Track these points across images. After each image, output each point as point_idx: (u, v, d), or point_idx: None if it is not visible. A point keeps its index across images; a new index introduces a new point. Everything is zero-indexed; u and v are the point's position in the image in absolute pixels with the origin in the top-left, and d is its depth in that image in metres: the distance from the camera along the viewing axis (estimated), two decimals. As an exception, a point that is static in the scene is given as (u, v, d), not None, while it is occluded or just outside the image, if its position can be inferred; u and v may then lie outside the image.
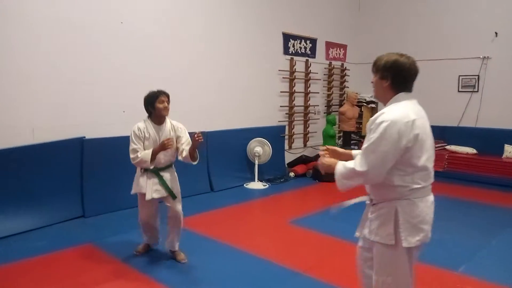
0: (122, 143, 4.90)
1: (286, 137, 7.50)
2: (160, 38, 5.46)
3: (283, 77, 7.31)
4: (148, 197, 3.29)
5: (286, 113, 7.46)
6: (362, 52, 8.92)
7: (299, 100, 7.70)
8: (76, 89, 4.69)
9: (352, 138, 8.10)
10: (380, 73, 2.02)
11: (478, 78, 7.43)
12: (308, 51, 7.77)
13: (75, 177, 4.65)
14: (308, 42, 7.76)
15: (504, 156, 6.86)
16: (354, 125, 7.83)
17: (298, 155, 7.55)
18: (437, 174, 6.90)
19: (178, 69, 5.67)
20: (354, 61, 8.93)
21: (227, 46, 6.37)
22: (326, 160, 2.12)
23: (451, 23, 7.72)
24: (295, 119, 7.62)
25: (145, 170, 3.33)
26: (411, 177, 1.91)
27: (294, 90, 7.48)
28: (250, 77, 6.76)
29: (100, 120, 4.92)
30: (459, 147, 7.36)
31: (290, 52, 7.39)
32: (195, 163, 3.35)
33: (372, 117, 1.96)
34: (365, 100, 8.58)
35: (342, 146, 7.79)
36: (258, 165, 6.44)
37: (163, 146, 3.19)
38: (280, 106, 7.34)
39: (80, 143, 4.68)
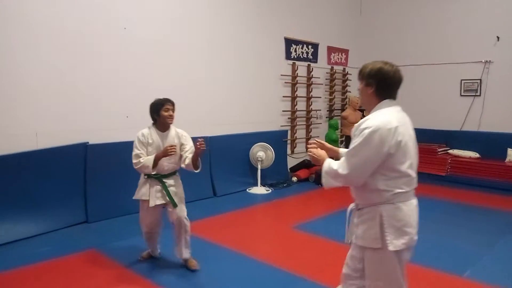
0: (126, 148, 4.89)
1: (289, 141, 7.50)
2: (163, 44, 5.48)
3: (285, 82, 7.33)
4: (151, 203, 3.29)
5: (288, 118, 7.46)
6: (364, 56, 8.92)
7: (301, 105, 7.71)
8: (79, 94, 4.71)
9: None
10: (365, 80, 2.07)
11: (481, 82, 7.43)
12: (310, 56, 7.79)
13: (78, 183, 4.65)
14: (310, 47, 7.78)
15: (507, 160, 6.84)
16: (356, 130, 7.81)
17: (301, 160, 7.54)
18: (439, 178, 6.93)
19: (181, 75, 5.68)
20: (356, 66, 8.93)
21: (229, 51, 6.39)
22: (317, 152, 2.17)
23: (453, 28, 7.73)
24: (298, 123, 7.63)
25: (148, 177, 3.33)
26: (395, 182, 1.95)
27: (296, 94, 7.49)
28: (252, 82, 6.78)
29: (104, 125, 4.93)
30: (462, 151, 7.35)
31: (292, 57, 7.41)
32: (197, 171, 3.34)
33: (357, 123, 2.01)
34: (367, 104, 8.57)
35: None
36: (260, 169, 6.44)
37: (165, 152, 3.18)
38: (283, 111, 7.35)
39: (84, 148, 4.69)
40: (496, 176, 6.65)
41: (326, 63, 8.25)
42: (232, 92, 6.48)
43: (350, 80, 8.75)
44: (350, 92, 8.70)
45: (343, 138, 8.09)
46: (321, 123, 8.18)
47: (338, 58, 8.56)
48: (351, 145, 1.96)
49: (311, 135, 7.93)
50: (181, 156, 3.36)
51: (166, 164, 3.30)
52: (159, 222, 3.52)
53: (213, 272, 3.37)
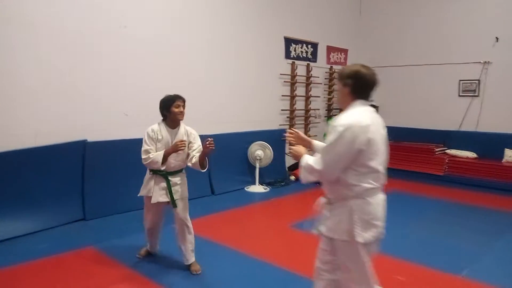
0: (124, 146, 4.94)
1: (287, 140, 7.50)
2: (162, 43, 5.47)
3: (284, 81, 7.33)
4: (153, 200, 3.27)
5: (287, 117, 7.47)
6: (363, 56, 8.94)
7: (300, 104, 7.71)
8: (78, 92, 4.70)
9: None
10: (342, 81, 2.19)
11: (479, 82, 7.45)
12: (309, 55, 7.80)
13: (76, 180, 4.64)
14: (309, 46, 7.78)
15: (504, 160, 6.87)
16: (354, 129, 7.82)
17: (299, 159, 7.53)
18: (437, 178, 6.95)
19: (180, 74, 5.67)
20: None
21: (229, 50, 6.38)
22: (296, 148, 2.30)
23: (452, 28, 7.75)
24: (296, 122, 7.63)
25: (154, 173, 3.31)
26: (364, 177, 2.07)
27: (295, 94, 7.49)
28: (251, 81, 6.78)
29: (103, 123, 4.92)
30: (460, 151, 7.37)
31: (291, 56, 7.41)
32: (203, 170, 3.31)
33: (331, 121, 2.08)
34: (366, 104, 8.59)
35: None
36: (259, 168, 6.44)
37: (175, 148, 3.15)
38: (281, 110, 7.35)
39: (82, 146, 4.68)
40: (493, 176, 6.68)
41: (325, 63, 8.26)
42: (231, 91, 6.48)
43: (349, 79, 8.73)
44: (348, 91, 8.69)
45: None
46: (319, 122, 8.18)
47: (337, 57, 8.56)
48: (326, 142, 2.08)
49: (309, 134, 7.93)
50: (188, 154, 3.31)
51: (173, 161, 3.26)
52: (161, 219, 3.52)
53: (210, 269, 3.37)
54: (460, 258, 3.73)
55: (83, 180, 4.68)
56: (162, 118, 3.34)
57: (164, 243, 3.68)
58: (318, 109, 8.14)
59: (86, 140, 4.73)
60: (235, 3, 6.41)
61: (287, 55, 7.34)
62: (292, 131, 2.51)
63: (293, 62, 7.42)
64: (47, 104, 4.46)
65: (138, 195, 3.43)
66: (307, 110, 7.83)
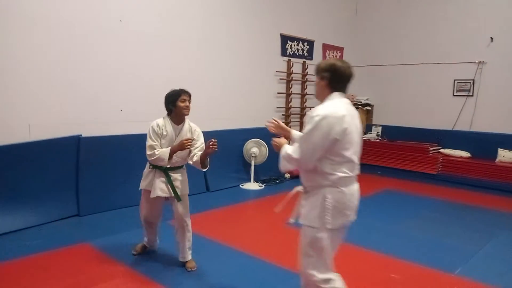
0: (119, 141, 4.92)
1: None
2: (158, 38, 5.44)
3: (280, 79, 7.32)
4: (152, 194, 3.22)
5: (282, 114, 7.46)
6: (358, 55, 8.97)
7: (295, 102, 7.71)
8: (73, 87, 4.66)
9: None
10: (319, 74, 2.29)
11: (473, 82, 7.50)
12: (305, 53, 7.80)
13: (70, 176, 4.61)
14: (305, 44, 7.78)
15: (497, 160, 6.92)
16: (349, 128, 7.84)
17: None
18: (431, 177, 6.98)
19: (175, 69, 5.65)
20: (351, 64, 8.94)
21: (225, 46, 6.36)
22: (278, 140, 2.40)
23: (447, 28, 7.79)
24: (292, 120, 7.63)
25: (154, 167, 3.27)
26: (339, 166, 2.15)
27: (291, 91, 7.49)
28: (247, 78, 6.77)
29: (97, 118, 4.89)
30: (453, 150, 7.42)
31: (287, 54, 7.41)
32: (204, 170, 3.28)
33: (309, 112, 2.18)
34: (361, 102, 8.63)
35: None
36: (254, 165, 6.44)
37: (182, 146, 3.10)
38: (277, 107, 7.34)
39: (77, 141, 4.64)
40: (486, 175, 6.73)
41: (321, 61, 8.25)
42: (227, 87, 6.46)
43: (345, 78, 8.74)
44: (344, 90, 8.70)
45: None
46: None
47: (333, 55, 8.57)
48: (304, 132, 2.17)
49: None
50: (190, 151, 3.25)
51: (175, 157, 3.20)
52: (158, 214, 3.47)
53: (205, 265, 3.36)
54: (454, 256, 3.75)
55: (77, 175, 4.64)
56: (167, 112, 3.28)
57: (160, 240, 3.66)
58: (314, 107, 8.13)
59: (81, 135, 4.69)
60: (231, -1, 6.40)
61: (283, 53, 7.34)
62: (272, 120, 2.62)
63: (289, 60, 7.42)
64: (41, 98, 4.42)
65: (139, 189, 3.38)
66: (302, 108, 7.84)
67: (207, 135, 6.07)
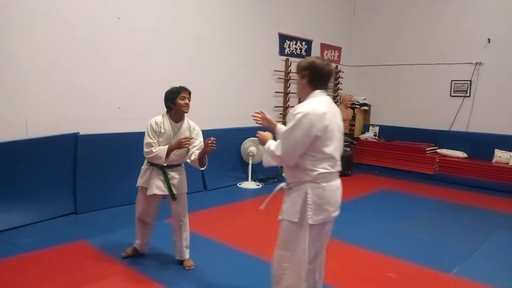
0: (116, 140, 4.91)
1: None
2: (156, 36, 5.42)
3: (278, 78, 7.32)
4: (149, 192, 3.20)
5: (280, 114, 7.46)
6: (356, 55, 8.98)
7: (293, 101, 7.69)
8: (71, 84, 4.64)
9: (345, 140, 8.13)
10: (300, 73, 2.33)
11: (470, 83, 7.52)
12: (303, 52, 7.80)
13: (68, 173, 4.59)
14: (303, 43, 7.78)
15: (494, 160, 6.95)
16: (347, 127, 7.86)
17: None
18: (428, 177, 7.00)
19: (173, 68, 5.63)
20: (348, 64, 8.98)
21: (223, 45, 6.35)
22: (263, 133, 2.46)
23: (444, 29, 7.81)
24: (289, 119, 7.62)
25: (151, 165, 3.24)
26: (320, 163, 2.19)
27: (289, 90, 7.49)
28: (245, 77, 6.76)
29: (95, 116, 4.87)
30: (450, 151, 7.45)
31: (285, 53, 7.41)
32: (202, 168, 3.25)
33: (291, 109, 2.23)
34: (358, 102, 8.64)
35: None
36: (252, 164, 6.44)
37: (179, 144, 3.07)
38: (275, 107, 7.34)
39: (74, 139, 4.62)
40: (483, 176, 6.76)
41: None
42: (225, 86, 6.46)
43: (342, 77, 8.77)
44: (342, 89, 8.73)
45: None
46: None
47: (331, 55, 8.58)
48: (285, 129, 2.21)
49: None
50: (188, 150, 3.23)
51: (172, 155, 3.17)
52: (154, 213, 3.42)
53: (202, 265, 3.36)
54: (451, 256, 3.77)
55: (75, 173, 4.62)
56: (166, 110, 3.24)
57: (156, 238, 3.65)
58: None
59: (78, 133, 4.67)
60: (230, -2, 6.39)
61: (281, 52, 7.34)
62: (259, 112, 2.66)
63: (287, 59, 7.42)
64: (38, 95, 4.40)
65: (136, 186, 3.35)
66: (300, 107, 7.82)
67: (205, 134, 6.07)
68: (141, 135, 3.28)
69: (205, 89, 6.10)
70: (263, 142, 2.41)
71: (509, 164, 6.71)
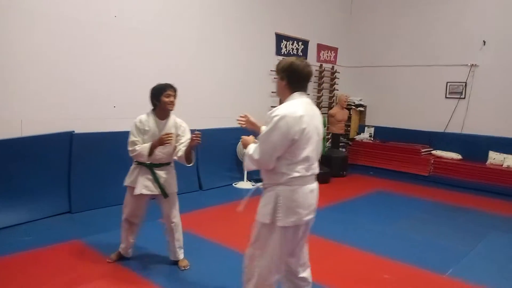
0: (112, 138, 4.88)
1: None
2: (153, 35, 5.41)
3: (274, 78, 7.29)
4: (136, 191, 3.15)
5: (276, 114, 7.45)
6: (352, 55, 9.01)
7: (289, 101, 7.71)
8: (67, 82, 4.61)
9: (340, 141, 8.16)
10: (279, 74, 2.31)
11: (466, 85, 7.57)
12: (300, 53, 7.80)
13: (63, 172, 4.56)
14: (300, 43, 7.79)
15: (488, 162, 7.00)
16: (343, 128, 7.88)
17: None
18: (422, 178, 7.02)
19: (170, 67, 5.61)
20: (344, 64, 9.00)
21: (220, 44, 6.34)
22: (246, 137, 2.43)
23: (440, 31, 7.85)
24: (285, 120, 7.63)
25: (139, 164, 3.21)
26: (295, 166, 2.17)
27: (285, 91, 7.48)
28: (242, 77, 6.76)
29: (91, 114, 4.85)
30: (445, 152, 7.49)
31: (282, 53, 7.41)
32: (189, 165, 3.20)
33: (269, 112, 2.21)
34: (354, 103, 8.66)
35: (331, 148, 7.84)
36: (247, 164, 6.43)
37: (161, 141, 3.04)
38: (271, 107, 7.32)
39: (69, 137, 4.59)
40: (477, 177, 6.80)
41: (315, 61, 8.27)
42: (221, 86, 6.45)
43: (338, 78, 8.79)
44: (337, 90, 8.74)
45: (330, 136, 8.14)
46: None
47: (327, 56, 8.59)
48: (263, 132, 2.20)
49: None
50: (175, 147, 3.20)
51: (159, 153, 3.14)
52: (142, 213, 3.35)
53: (197, 265, 3.35)
54: (446, 257, 3.79)
55: (70, 172, 4.59)
56: (152, 107, 3.23)
57: (152, 238, 3.65)
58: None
59: (73, 131, 4.64)
60: (227, -3, 6.38)
61: (278, 52, 7.34)
62: (243, 115, 2.64)
63: (284, 59, 7.40)
64: (33, 93, 4.36)
65: (124, 185, 3.30)
66: (296, 108, 7.83)
67: (202, 133, 6.07)
68: (137, 134, 3.26)
69: (201, 89, 6.10)
70: (245, 146, 2.38)
71: (503, 166, 6.75)
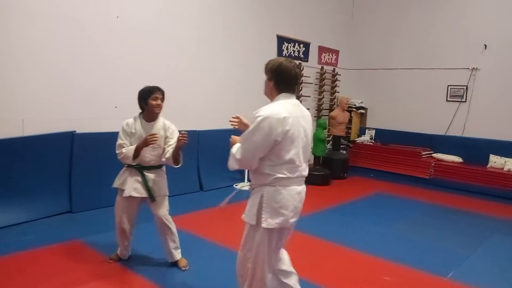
0: (113, 138, 4.78)
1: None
2: (154, 36, 5.41)
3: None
4: (126, 193, 3.14)
5: (277, 115, 7.46)
6: (353, 58, 9.02)
7: (290, 103, 7.71)
8: (68, 82, 4.62)
9: (341, 143, 8.16)
10: (268, 74, 2.30)
11: (467, 88, 7.57)
12: (301, 55, 7.82)
13: (63, 172, 4.56)
14: (301, 45, 7.80)
15: (489, 166, 7.00)
16: (344, 130, 7.88)
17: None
18: (423, 181, 7.01)
19: (171, 67, 5.63)
20: (345, 67, 9.01)
21: (221, 46, 6.35)
22: (234, 138, 2.38)
23: (442, 34, 7.86)
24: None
25: (129, 166, 3.20)
26: (279, 168, 2.17)
27: (286, 92, 7.48)
28: (243, 78, 6.76)
29: (92, 114, 4.85)
30: (446, 155, 7.49)
31: (283, 55, 7.40)
32: (176, 166, 3.18)
33: (254, 112, 2.21)
34: (355, 105, 8.67)
35: (332, 151, 7.84)
36: (248, 166, 6.43)
37: (145, 142, 3.03)
38: (272, 108, 7.34)
39: (71, 137, 4.59)
40: (478, 181, 6.80)
41: (316, 63, 8.29)
42: (222, 87, 6.45)
43: (339, 80, 8.80)
44: (339, 92, 8.75)
45: (331, 138, 8.14)
46: (309, 122, 8.20)
47: (328, 58, 8.60)
48: (246, 132, 2.19)
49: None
50: (164, 149, 3.19)
51: (148, 155, 3.14)
52: (132, 217, 3.29)
53: (197, 265, 3.35)
54: (446, 260, 3.78)
55: (71, 172, 4.60)
56: (140, 110, 3.23)
57: (151, 239, 3.63)
58: (309, 109, 8.09)
59: (75, 131, 4.65)
60: (229, -1, 6.39)
61: (280, 54, 7.34)
62: (236, 116, 2.64)
63: (285, 61, 7.41)
64: (35, 93, 4.37)
65: (112, 186, 3.27)
66: (297, 110, 7.83)
67: (202, 134, 6.08)
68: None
69: (203, 90, 6.11)
70: (231, 146, 2.35)
71: (504, 169, 6.75)
